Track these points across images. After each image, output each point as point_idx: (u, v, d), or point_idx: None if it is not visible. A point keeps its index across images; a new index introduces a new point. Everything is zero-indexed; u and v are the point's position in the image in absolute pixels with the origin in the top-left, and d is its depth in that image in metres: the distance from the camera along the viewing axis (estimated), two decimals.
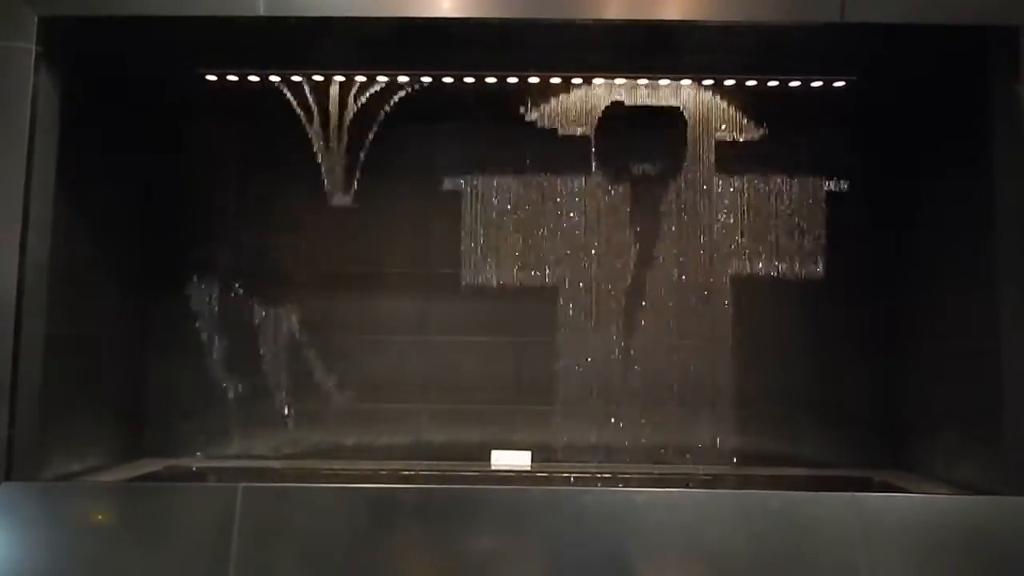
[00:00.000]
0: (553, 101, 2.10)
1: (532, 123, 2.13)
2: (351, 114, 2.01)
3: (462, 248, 2.27)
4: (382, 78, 2.01)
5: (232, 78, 2.02)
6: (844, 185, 2.32)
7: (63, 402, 1.81)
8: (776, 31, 1.74)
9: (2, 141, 1.64)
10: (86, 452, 1.96)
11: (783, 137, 2.30)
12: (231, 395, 2.28)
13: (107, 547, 1.56)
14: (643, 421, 2.25)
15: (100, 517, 1.60)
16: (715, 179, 2.29)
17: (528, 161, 2.28)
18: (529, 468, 2.16)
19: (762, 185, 2.32)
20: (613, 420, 2.26)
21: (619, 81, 2.03)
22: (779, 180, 2.32)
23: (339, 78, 2.01)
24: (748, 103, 2.13)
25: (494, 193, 2.29)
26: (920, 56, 1.87)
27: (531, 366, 2.27)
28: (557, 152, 2.22)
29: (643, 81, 2.03)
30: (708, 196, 2.30)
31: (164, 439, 2.25)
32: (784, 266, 2.30)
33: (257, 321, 2.30)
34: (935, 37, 1.74)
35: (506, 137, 2.25)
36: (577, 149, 2.22)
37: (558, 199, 2.30)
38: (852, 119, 2.28)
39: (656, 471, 2.15)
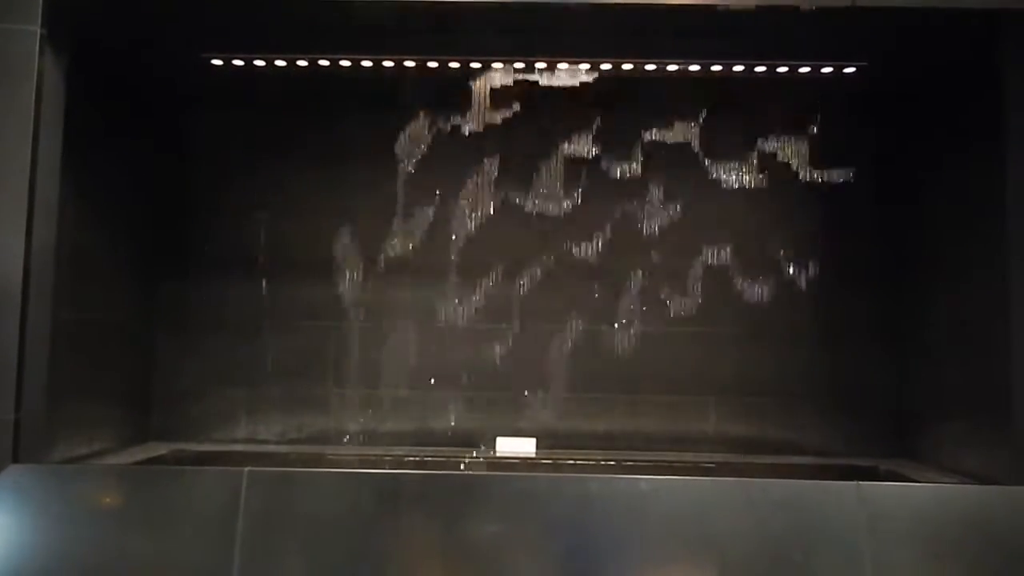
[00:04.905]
0: None
1: None
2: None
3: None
4: (388, 63, 2.00)
5: (238, 63, 2.01)
6: (852, 172, 2.30)
7: (69, 385, 1.82)
8: (787, 16, 1.72)
9: (7, 125, 1.63)
10: (92, 435, 1.97)
11: (790, 123, 2.29)
12: (237, 379, 2.28)
13: (113, 530, 1.56)
14: (647, 409, 2.26)
15: (107, 500, 1.60)
16: (718, 165, 2.29)
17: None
18: (534, 455, 2.16)
19: (769, 173, 2.31)
20: (619, 407, 2.26)
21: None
22: (786, 167, 2.31)
23: (345, 63, 2.00)
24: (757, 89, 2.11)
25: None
26: (932, 41, 1.85)
27: (539, 353, 2.27)
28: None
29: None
30: (713, 181, 2.29)
31: (170, 423, 2.27)
32: (790, 254, 2.29)
33: (262, 305, 2.30)
34: (948, 22, 1.72)
35: None
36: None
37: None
38: (862, 105, 2.26)
39: (661, 458, 2.15)
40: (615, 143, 2.28)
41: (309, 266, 2.30)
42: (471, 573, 1.54)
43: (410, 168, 2.29)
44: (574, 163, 2.27)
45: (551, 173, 2.28)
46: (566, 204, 2.28)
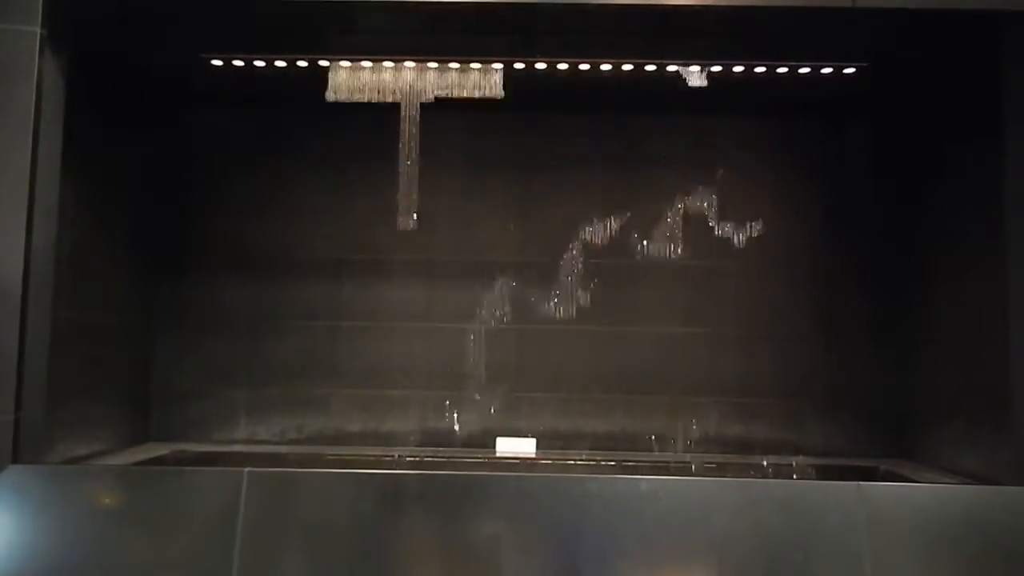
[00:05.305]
0: None
1: None
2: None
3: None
4: (388, 64, 2.00)
5: (238, 63, 2.01)
6: (853, 173, 2.30)
7: (69, 386, 1.82)
8: (788, 17, 1.72)
9: (7, 125, 1.64)
10: (92, 436, 1.97)
11: (789, 124, 2.29)
12: (237, 380, 2.28)
13: (113, 530, 1.56)
14: (646, 409, 2.25)
15: (107, 500, 1.60)
16: (720, 166, 2.29)
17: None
18: (534, 455, 2.16)
19: (770, 174, 2.31)
20: (615, 408, 2.26)
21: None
22: (787, 167, 2.31)
23: (344, 63, 2.00)
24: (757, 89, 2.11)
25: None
26: (932, 42, 1.85)
27: (536, 353, 2.27)
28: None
29: None
30: (713, 183, 2.29)
31: (170, 423, 2.26)
32: (789, 255, 2.29)
33: (262, 305, 2.30)
34: (948, 22, 1.72)
35: None
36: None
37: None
38: (862, 105, 2.26)
39: (661, 459, 2.15)
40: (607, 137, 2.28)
41: (309, 266, 2.30)
42: (471, 573, 1.54)
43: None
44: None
45: None
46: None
